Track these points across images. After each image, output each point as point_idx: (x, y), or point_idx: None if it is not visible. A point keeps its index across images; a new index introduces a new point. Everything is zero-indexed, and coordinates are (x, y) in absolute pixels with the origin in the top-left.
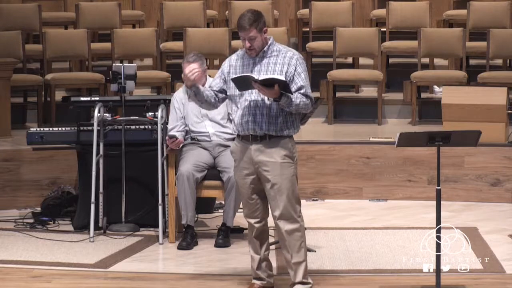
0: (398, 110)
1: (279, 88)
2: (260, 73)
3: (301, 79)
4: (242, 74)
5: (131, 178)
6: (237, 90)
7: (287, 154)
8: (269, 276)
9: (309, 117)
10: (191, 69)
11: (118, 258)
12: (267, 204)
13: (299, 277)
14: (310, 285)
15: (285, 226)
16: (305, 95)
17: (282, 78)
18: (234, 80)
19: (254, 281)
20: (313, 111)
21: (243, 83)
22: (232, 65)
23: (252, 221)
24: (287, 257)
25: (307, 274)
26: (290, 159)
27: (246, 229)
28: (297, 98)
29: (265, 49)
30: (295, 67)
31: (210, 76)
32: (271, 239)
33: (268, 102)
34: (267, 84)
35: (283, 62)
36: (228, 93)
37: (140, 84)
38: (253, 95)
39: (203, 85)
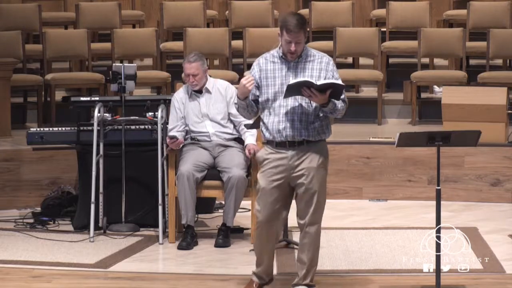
0: (398, 110)
1: (331, 93)
2: (297, 78)
3: None
4: (301, 79)
5: (131, 178)
6: (271, 95)
7: (323, 158)
8: (269, 277)
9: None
10: (249, 79)
11: (118, 258)
12: (288, 208)
13: (308, 280)
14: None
15: (312, 230)
16: (344, 100)
17: (341, 83)
18: (290, 86)
19: (254, 278)
20: None
21: (295, 89)
22: (262, 69)
23: (272, 225)
24: (304, 258)
25: None
26: (325, 164)
27: (246, 229)
28: (338, 103)
29: (301, 53)
30: (333, 73)
31: (210, 76)
32: None
33: (307, 108)
34: (321, 89)
35: (320, 67)
36: (260, 99)
37: (140, 84)
38: (289, 100)
39: (203, 86)
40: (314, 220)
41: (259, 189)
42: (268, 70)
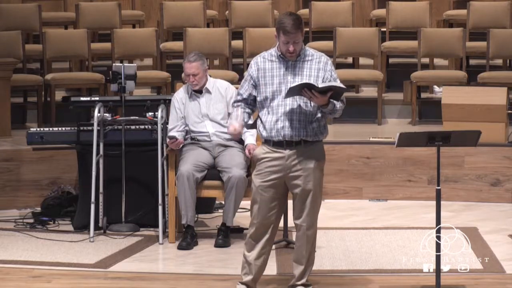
0: (398, 110)
1: (332, 94)
2: (295, 78)
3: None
4: (303, 82)
5: (131, 178)
6: (269, 94)
7: (320, 159)
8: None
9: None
10: (237, 132)
11: (118, 258)
12: (283, 209)
13: (304, 279)
14: (311, 287)
15: (309, 231)
16: (342, 100)
17: (342, 85)
18: (292, 88)
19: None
20: None
21: (296, 90)
22: (260, 68)
23: (264, 225)
24: (302, 259)
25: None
26: (321, 165)
27: (246, 229)
28: (337, 104)
29: (300, 52)
30: (331, 73)
31: (210, 76)
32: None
33: (305, 108)
34: (322, 91)
35: (318, 67)
36: (258, 98)
37: (140, 84)
38: (287, 100)
39: (203, 85)
40: (310, 221)
41: (254, 188)
42: (266, 69)
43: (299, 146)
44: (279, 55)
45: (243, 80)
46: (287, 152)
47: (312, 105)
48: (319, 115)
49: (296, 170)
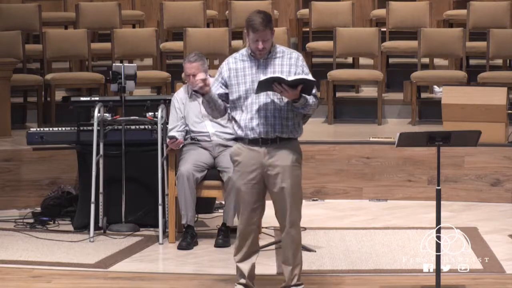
0: (398, 110)
1: (303, 89)
2: (267, 75)
3: None
4: (271, 76)
5: (131, 178)
6: (243, 92)
7: (297, 157)
8: (253, 280)
9: (309, 117)
10: (199, 79)
11: (118, 258)
12: (264, 209)
13: (296, 279)
14: (303, 286)
15: (293, 231)
16: (315, 95)
17: (312, 78)
18: (261, 82)
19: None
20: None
21: (264, 85)
22: (232, 68)
23: (249, 228)
24: (289, 259)
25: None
26: (299, 162)
27: None
28: (310, 98)
29: (270, 50)
30: (302, 68)
31: (211, 76)
32: (272, 239)
33: (280, 104)
34: (292, 85)
35: (289, 63)
36: (230, 98)
37: (140, 84)
38: (261, 97)
39: None
40: (293, 220)
41: (236, 191)
42: (238, 68)
43: (275, 143)
44: (250, 53)
45: (213, 83)
46: (262, 149)
47: (285, 100)
48: (294, 112)
49: (273, 168)
